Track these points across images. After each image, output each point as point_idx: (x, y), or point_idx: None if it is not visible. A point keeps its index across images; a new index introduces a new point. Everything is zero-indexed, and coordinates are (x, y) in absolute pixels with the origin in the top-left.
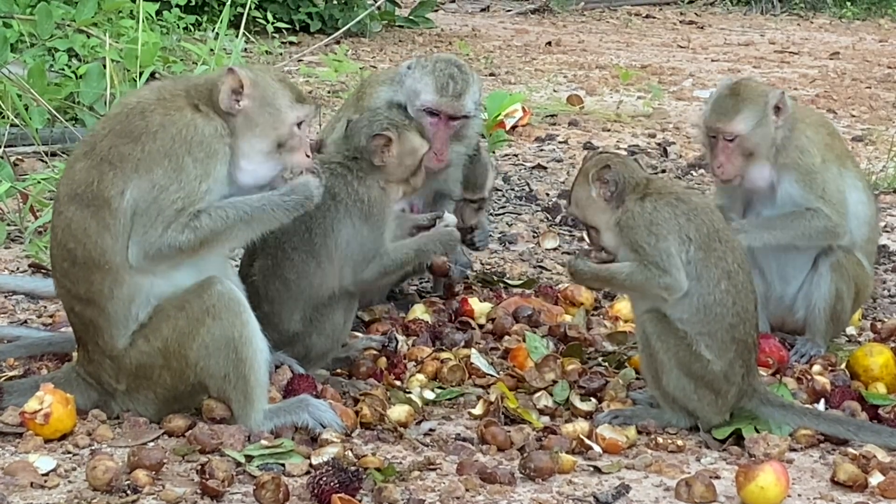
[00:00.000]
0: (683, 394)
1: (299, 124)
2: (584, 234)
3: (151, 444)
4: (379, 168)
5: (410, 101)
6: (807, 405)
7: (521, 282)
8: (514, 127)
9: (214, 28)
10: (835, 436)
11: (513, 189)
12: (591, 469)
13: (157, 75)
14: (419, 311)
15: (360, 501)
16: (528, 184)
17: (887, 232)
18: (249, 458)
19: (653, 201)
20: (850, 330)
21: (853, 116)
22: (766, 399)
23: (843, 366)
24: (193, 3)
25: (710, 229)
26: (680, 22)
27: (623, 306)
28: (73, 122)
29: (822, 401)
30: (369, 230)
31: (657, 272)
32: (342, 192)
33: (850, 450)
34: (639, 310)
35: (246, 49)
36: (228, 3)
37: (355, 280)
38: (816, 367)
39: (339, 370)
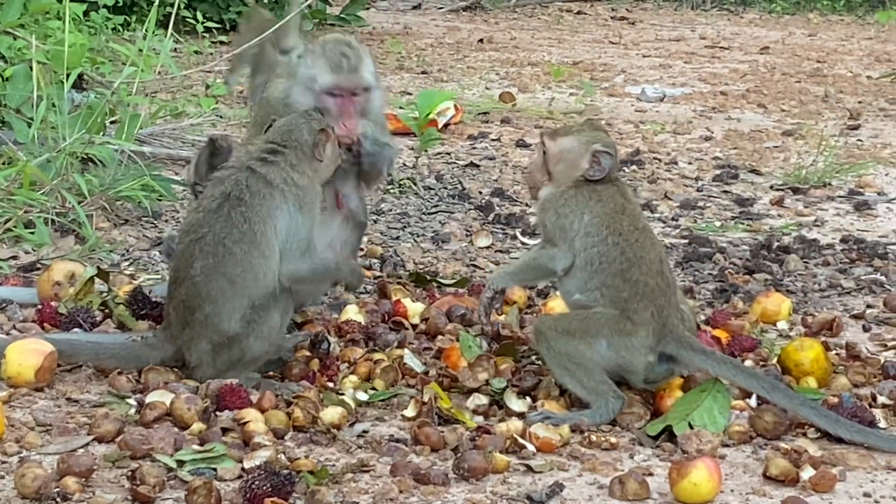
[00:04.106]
0: (600, 356)
1: None
2: (528, 180)
3: (81, 450)
4: (311, 161)
5: (308, 87)
6: (729, 356)
7: (454, 281)
8: (446, 125)
9: (143, 28)
10: (750, 391)
11: (445, 187)
12: (525, 468)
13: (84, 77)
14: (352, 312)
15: None
16: (460, 182)
17: (817, 226)
18: (181, 463)
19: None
20: (782, 324)
21: (783, 111)
22: (686, 343)
23: (774, 361)
24: (121, 4)
25: (616, 208)
26: (611, 18)
27: (557, 304)
28: (0, 124)
29: (754, 396)
30: (303, 219)
31: (550, 248)
32: (277, 178)
33: (781, 444)
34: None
35: (175, 49)
36: (157, 2)
37: (289, 274)
38: (748, 363)
39: (270, 373)
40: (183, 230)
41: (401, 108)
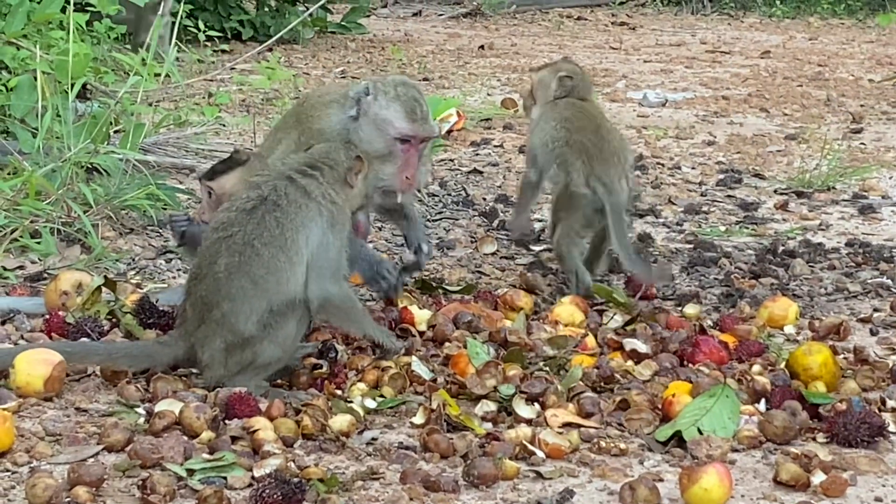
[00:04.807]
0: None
1: None
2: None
3: (91, 460)
4: (343, 185)
5: (380, 129)
6: None
7: (460, 287)
8: (449, 132)
9: (146, 37)
10: None
11: (449, 194)
12: (535, 475)
13: (88, 86)
14: None
15: None
16: (464, 189)
17: (822, 230)
18: (191, 472)
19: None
20: (789, 329)
21: (786, 115)
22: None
23: (782, 365)
24: (124, 14)
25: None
26: (611, 23)
27: (563, 310)
28: (5, 135)
29: (763, 401)
30: (333, 238)
31: (528, 169)
32: (316, 191)
33: (791, 449)
34: None
35: (178, 58)
36: (160, 12)
37: (319, 294)
38: (756, 367)
39: (278, 381)
40: (211, 227)
41: None
